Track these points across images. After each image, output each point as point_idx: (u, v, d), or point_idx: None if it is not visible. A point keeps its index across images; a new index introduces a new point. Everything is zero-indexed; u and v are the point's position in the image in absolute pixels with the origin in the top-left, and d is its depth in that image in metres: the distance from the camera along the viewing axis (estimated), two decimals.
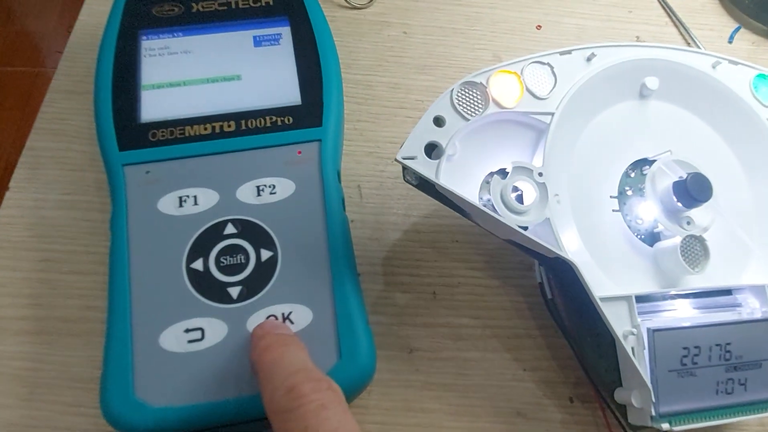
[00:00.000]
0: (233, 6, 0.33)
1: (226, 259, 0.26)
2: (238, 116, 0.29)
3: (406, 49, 0.37)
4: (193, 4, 0.32)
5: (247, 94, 0.30)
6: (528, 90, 0.26)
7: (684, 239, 0.26)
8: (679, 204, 0.26)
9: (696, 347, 0.25)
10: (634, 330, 0.24)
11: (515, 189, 0.25)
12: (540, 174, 0.25)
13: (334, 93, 0.30)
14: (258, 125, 0.29)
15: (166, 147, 0.28)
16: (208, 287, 0.26)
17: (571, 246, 0.25)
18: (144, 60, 0.31)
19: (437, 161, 0.24)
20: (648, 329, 0.24)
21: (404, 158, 0.24)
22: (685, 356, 0.25)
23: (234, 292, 0.26)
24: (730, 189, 0.28)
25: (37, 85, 1.03)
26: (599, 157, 0.28)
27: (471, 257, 0.31)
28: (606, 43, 0.28)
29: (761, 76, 0.29)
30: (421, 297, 0.30)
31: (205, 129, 0.29)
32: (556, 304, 0.28)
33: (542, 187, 0.25)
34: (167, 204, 0.27)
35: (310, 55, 0.31)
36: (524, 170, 0.25)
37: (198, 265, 0.26)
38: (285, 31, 0.32)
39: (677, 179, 0.26)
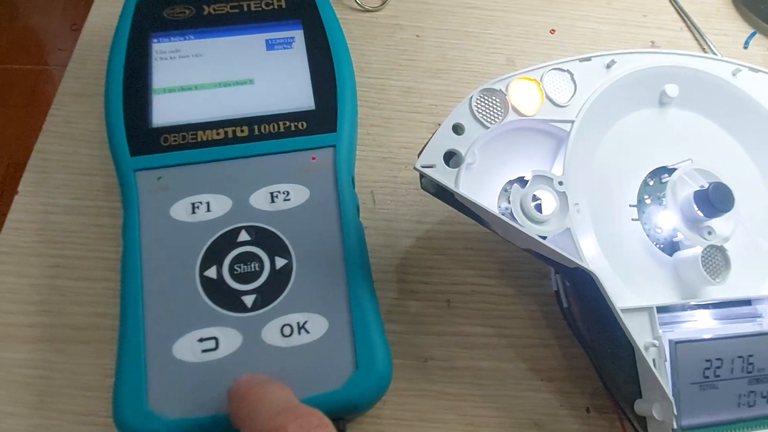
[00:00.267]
0: (245, 9, 0.32)
1: (240, 267, 0.26)
2: (251, 121, 0.29)
3: (419, 52, 0.36)
4: (205, 7, 0.32)
5: (260, 99, 0.30)
6: (548, 97, 0.26)
7: (705, 249, 0.25)
8: (700, 213, 0.26)
9: (718, 359, 0.24)
10: (656, 342, 0.24)
11: (534, 198, 0.25)
12: (560, 183, 0.25)
13: (348, 97, 0.30)
14: (271, 130, 0.29)
15: (178, 152, 0.28)
16: (222, 296, 0.25)
17: (590, 255, 0.25)
18: (155, 63, 0.30)
19: (456, 170, 0.24)
20: (670, 341, 0.24)
21: (423, 166, 0.24)
22: (707, 368, 0.24)
23: (248, 300, 0.25)
24: (750, 198, 0.28)
25: (41, 83, 1.02)
26: (618, 165, 0.27)
27: (485, 265, 0.30)
28: (626, 50, 0.27)
29: None
30: (435, 305, 0.29)
31: (218, 134, 0.28)
32: (573, 313, 0.28)
33: (562, 196, 0.25)
34: (180, 210, 0.27)
35: (324, 59, 0.31)
36: (544, 179, 0.25)
37: (211, 273, 0.26)
38: (298, 35, 0.32)
39: (698, 188, 0.26)
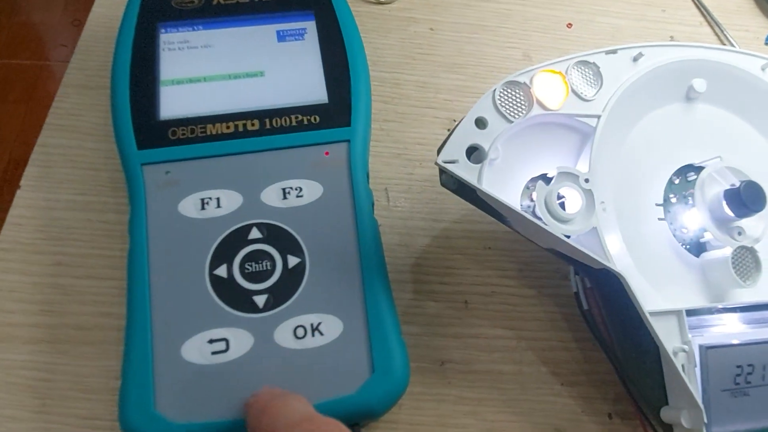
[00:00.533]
0: None
1: (251, 266, 0.25)
2: (262, 114, 0.28)
3: (434, 46, 0.35)
4: None
5: (271, 92, 0.29)
6: (573, 91, 0.25)
7: (735, 251, 0.25)
8: (731, 213, 0.25)
9: (750, 365, 0.23)
10: (685, 347, 0.23)
11: (559, 196, 0.24)
12: (586, 180, 0.24)
13: (362, 91, 0.29)
14: (283, 124, 0.28)
15: (186, 146, 0.27)
16: (233, 295, 0.24)
17: (615, 255, 0.24)
18: (163, 54, 0.29)
19: (479, 165, 0.23)
20: (700, 346, 0.23)
21: (445, 162, 0.23)
22: (738, 375, 0.23)
23: (260, 300, 0.24)
24: None
25: (41, 79, 1.01)
26: (644, 162, 0.26)
27: (504, 265, 0.29)
28: (653, 42, 0.26)
29: None
30: (453, 306, 0.28)
31: (228, 127, 0.27)
32: (593, 316, 0.27)
33: (589, 194, 0.24)
34: (188, 206, 0.26)
35: (337, 51, 0.30)
36: (570, 176, 0.24)
37: (221, 271, 0.25)
38: (310, 26, 0.31)
39: (729, 187, 0.25)
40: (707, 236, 0.25)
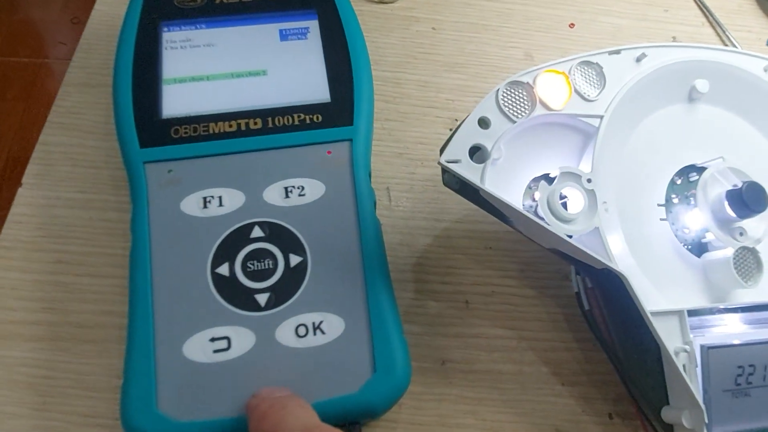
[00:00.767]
0: None
1: (253, 264, 0.25)
2: (264, 113, 0.28)
3: (436, 45, 0.35)
4: None
5: (274, 91, 0.29)
6: (576, 91, 0.25)
7: (737, 251, 0.25)
8: (733, 214, 0.25)
9: (751, 366, 0.23)
10: (687, 347, 0.23)
11: (561, 196, 0.24)
12: (589, 180, 0.24)
13: (365, 90, 0.29)
14: (286, 123, 0.28)
15: (189, 144, 0.27)
16: (235, 294, 0.24)
17: (617, 256, 0.24)
18: (165, 53, 0.29)
19: (482, 165, 0.23)
20: (702, 346, 0.23)
21: (448, 161, 0.23)
22: (739, 375, 0.23)
23: (262, 299, 0.24)
24: None
25: (40, 76, 1.01)
26: (646, 163, 0.26)
27: (505, 265, 0.29)
28: (656, 43, 0.26)
29: None
30: (454, 306, 0.28)
31: (230, 126, 0.27)
32: (594, 316, 0.27)
33: (591, 194, 0.24)
34: (191, 205, 0.26)
35: (340, 50, 0.30)
36: (572, 176, 0.24)
37: (224, 270, 0.25)
38: (313, 25, 0.31)
39: (731, 188, 0.25)
40: (709, 237, 0.26)
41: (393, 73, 0.34)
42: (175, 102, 0.28)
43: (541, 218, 0.23)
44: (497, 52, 0.35)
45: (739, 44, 0.38)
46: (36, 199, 0.29)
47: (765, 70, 0.28)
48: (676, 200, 0.26)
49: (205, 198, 0.26)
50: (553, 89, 0.24)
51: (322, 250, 0.25)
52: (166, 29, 0.30)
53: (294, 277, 0.25)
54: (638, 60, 0.26)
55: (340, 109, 0.28)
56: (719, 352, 0.23)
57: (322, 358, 0.24)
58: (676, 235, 0.26)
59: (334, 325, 0.24)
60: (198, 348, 0.23)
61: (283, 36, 0.31)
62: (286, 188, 0.26)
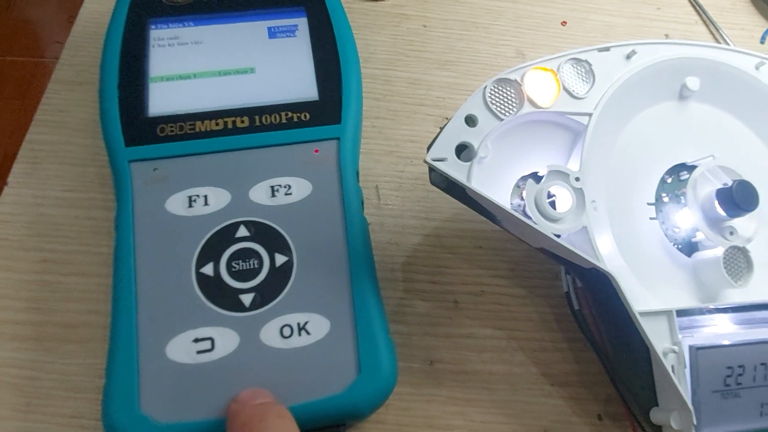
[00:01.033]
0: None
1: (238, 264, 0.25)
2: (251, 111, 0.28)
3: (426, 43, 0.35)
4: None
5: (261, 89, 0.29)
6: (565, 88, 0.24)
7: (727, 251, 0.24)
8: (723, 213, 0.24)
9: (740, 366, 0.23)
10: (675, 347, 0.23)
11: (549, 194, 0.23)
12: (577, 179, 0.23)
13: (353, 88, 0.29)
14: (273, 121, 0.27)
15: (175, 143, 0.27)
16: (219, 294, 0.24)
17: (606, 255, 0.24)
18: (152, 50, 0.29)
19: (468, 163, 0.23)
20: (690, 347, 0.23)
21: (434, 160, 0.22)
22: (728, 376, 0.23)
23: (246, 299, 0.24)
24: None
25: (36, 75, 1.01)
26: (636, 161, 0.26)
27: (495, 264, 0.29)
28: (646, 40, 0.26)
29: None
30: (443, 306, 0.28)
31: (217, 124, 0.27)
32: (584, 316, 0.27)
33: (579, 193, 0.23)
34: (176, 204, 0.25)
35: (328, 48, 0.30)
36: (560, 174, 0.23)
37: (208, 269, 0.24)
38: (301, 23, 0.31)
39: (721, 186, 0.25)
40: (699, 236, 0.25)
41: (383, 71, 0.34)
42: (162, 100, 0.28)
43: (529, 217, 0.23)
44: (488, 50, 0.35)
45: (732, 42, 0.37)
46: (22, 197, 0.29)
47: (756, 68, 0.27)
48: (666, 199, 0.26)
49: (190, 197, 0.26)
50: (541, 87, 0.24)
51: (308, 249, 0.25)
52: (153, 27, 0.30)
53: (279, 277, 0.24)
54: (628, 57, 0.26)
55: (328, 107, 0.28)
56: (708, 353, 0.23)
57: (306, 358, 0.23)
58: (665, 235, 0.26)
59: (319, 326, 0.24)
60: (181, 349, 0.23)
61: (272, 33, 0.30)
62: (272, 187, 0.26)
